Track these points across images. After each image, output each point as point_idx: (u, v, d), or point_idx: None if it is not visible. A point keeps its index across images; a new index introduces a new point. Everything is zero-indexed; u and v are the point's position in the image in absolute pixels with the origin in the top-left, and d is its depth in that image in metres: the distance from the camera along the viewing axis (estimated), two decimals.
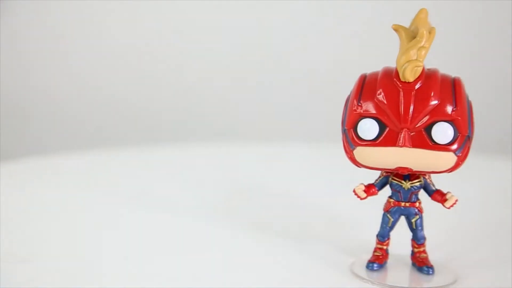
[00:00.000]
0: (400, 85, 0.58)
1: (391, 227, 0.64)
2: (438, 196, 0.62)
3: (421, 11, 0.60)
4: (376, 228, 0.65)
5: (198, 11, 1.45)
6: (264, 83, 1.49)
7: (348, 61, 1.32)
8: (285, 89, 1.48)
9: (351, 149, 0.60)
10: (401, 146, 0.58)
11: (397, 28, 0.59)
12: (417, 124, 0.57)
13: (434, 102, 0.57)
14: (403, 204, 0.63)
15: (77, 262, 0.65)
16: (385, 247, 0.65)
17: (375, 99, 0.58)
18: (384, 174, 0.63)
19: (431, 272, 0.63)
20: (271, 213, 0.83)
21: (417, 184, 0.62)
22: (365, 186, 0.63)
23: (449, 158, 0.58)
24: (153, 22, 1.46)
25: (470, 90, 0.59)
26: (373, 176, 0.64)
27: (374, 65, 0.62)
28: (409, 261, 0.65)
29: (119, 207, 0.83)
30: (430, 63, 0.58)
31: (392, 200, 0.63)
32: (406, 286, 0.62)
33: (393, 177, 0.62)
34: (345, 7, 1.40)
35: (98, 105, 1.48)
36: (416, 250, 0.64)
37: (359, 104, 0.59)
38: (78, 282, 0.61)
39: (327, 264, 0.65)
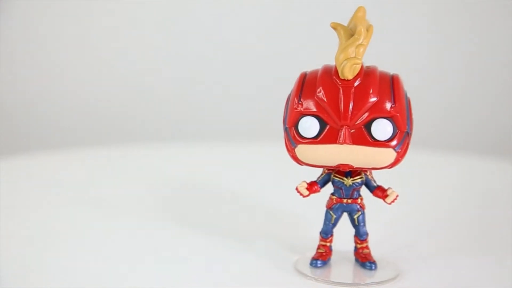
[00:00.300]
0: (340, 83, 0.58)
1: (334, 224, 0.64)
2: (379, 192, 0.63)
3: (359, 9, 0.60)
4: (319, 225, 0.65)
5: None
6: (208, 83, 1.49)
7: (289, 58, 1.34)
8: (227, 89, 1.48)
9: (292, 147, 0.60)
10: (341, 143, 0.58)
11: (335, 26, 0.60)
12: (357, 121, 0.58)
13: (373, 99, 0.58)
14: (345, 200, 0.64)
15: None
16: (328, 244, 0.65)
17: (315, 97, 0.59)
18: (326, 171, 0.64)
19: (373, 268, 0.64)
20: (215, 212, 0.83)
21: (359, 180, 0.63)
22: (308, 183, 0.63)
23: (389, 154, 0.59)
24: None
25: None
26: (315, 174, 0.64)
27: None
28: (352, 257, 0.66)
29: (59, 207, 0.82)
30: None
31: (334, 197, 0.64)
32: (350, 282, 0.62)
33: (335, 174, 0.63)
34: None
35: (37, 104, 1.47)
36: (359, 246, 0.65)
37: (300, 102, 0.60)
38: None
39: (271, 262, 0.66)
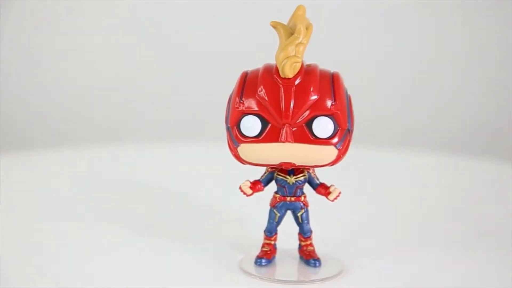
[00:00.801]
0: (280, 81, 0.59)
1: (278, 222, 0.65)
2: (322, 189, 0.64)
3: (298, 7, 0.61)
4: (263, 224, 0.66)
5: None
6: (150, 83, 1.49)
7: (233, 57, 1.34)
8: (170, 88, 1.48)
9: (235, 146, 0.61)
10: (283, 142, 0.59)
11: (275, 25, 0.60)
12: (298, 119, 0.59)
13: (313, 97, 0.59)
14: (288, 198, 0.64)
15: None
16: (273, 242, 0.66)
17: (257, 96, 0.59)
18: (269, 170, 0.64)
19: (318, 265, 0.65)
20: (159, 213, 0.83)
21: (302, 178, 0.64)
22: (251, 182, 0.64)
23: (330, 152, 0.60)
24: None
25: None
26: (258, 173, 0.64)
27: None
28: (297, 254, 0.66)
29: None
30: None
31: (278, 195, 0.64)
32: (294, 279, 0.63)
33: (278, 172, 0.64)
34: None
35: None
36: (303, 243, 0.66)
37: (241, 101, 0.60)
38: None
39: (216, 262, 0.66)
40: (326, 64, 0.63)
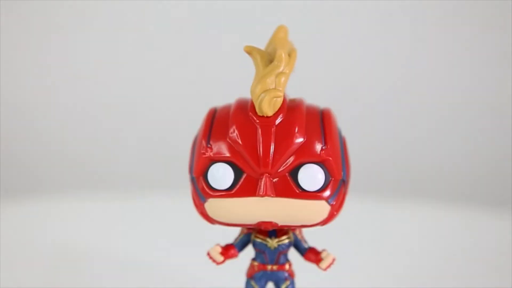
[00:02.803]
0: (257, 121, 0.54)
1: None
2: (312, 255, 0.59)
3: (279, 28, 0.57)
4: None
5: None
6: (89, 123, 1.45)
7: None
8: (114, 131, 1.43)
9: (201, 202, 0.56)
10: (262, 196, 0.54)
11: (250, 51, 0.55)
12: (280, 167, 0.54)
13: (299, 140, 0.54)
14: (269, 267, 0.59)
15: None
16: None
17: (228, 139, 0.55)
18: (245, 231, 0.60)
19: None
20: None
21: (286, 241, 0.59)
22: (222, 247, 0.59)
23: (321, 208, 0.55)
24: None
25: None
26: (232, 235, 0.60)
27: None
28: None
29: None
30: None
31: (256, 263, 0.59)
32: None
33: (256, 234, 0.59)
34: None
35: None
36: None
37: (209, 146, 0.55)
38: None
39: None
40: (314, 99, 0.59)
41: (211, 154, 0.55)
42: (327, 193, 0.55)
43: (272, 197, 0.54)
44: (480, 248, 0.94)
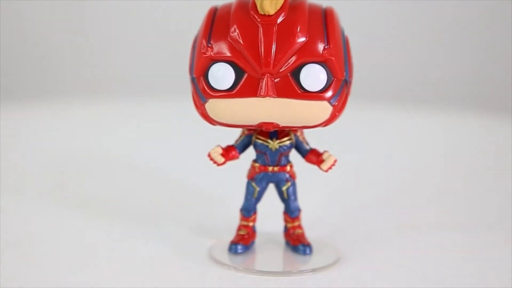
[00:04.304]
0: (259, 19, 0.55)
1: (258, 199, 0.62)
2: (313, 156, 0.61)
3: None
4: (239, 201, 0.63)
5: None
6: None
7: None
8: (114, 36, 1.46)
9: (202, 102, 0.57)
10: (263, 96, 0.55)
11: None
12: (281, 67, 0.55)
13: (301, 39, 0.55)
14: (270, 168, 0.61)
15: None
16: (251, 224, 0.63)
17: (229, 38, 0.56)
18: (246, 132, 0.61)
19: (308, 252, 0.62)
20: (108, 189, 0.81)
21: (287, 143, 0.60)
22: (223, 148, 0.60)
23: (323, 109, 0.56)
24: None
25: None
26: (233, 136, 0.62)
27: None
28: (282, 239, 0.64)
29: None
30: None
31: (257, 164, 0.61)
32: (279, 270, 0.61)
33: (257, 135, 0.61)
34: None
35: None
36: (289, 225, 0.63)
37: (209, 45, 0.56)
38: None
39: (180, 249, 0.64)
40: None
41: (211, 53, 0.56)
42: (329, 93, 0.56)
43: (273, 97, 0.55)
44: (481, 153, 0.97)
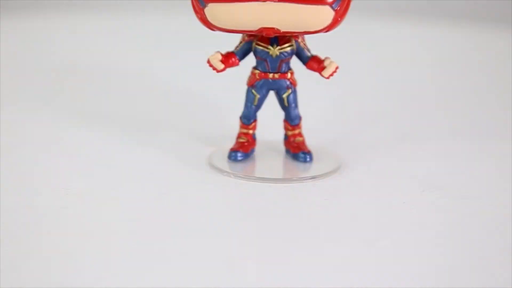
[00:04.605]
0: None
1: (258, 106, 0.62)
2: (315, 63, 0.60)
3: None
4: (239, 108, 0.62)
5: None
6: None
7: None
8: None
9: (201, 7, 0.57)
10: (264, 1, 0.54)
11: None
12: None
13: None
14: (271, 75, 0.61)
15: None
16: (251, 132, 0.63)
17: None
18: (246, 38, 0.60)
19: (308, 159, 0.62)
20: (107, 98, 0.81)
21: (288, 49, 0.60)
22: (223, 55, 0.60)
23: (325, 13, 0.56)
24: None
25: None
26: (232, 42, 0.61)
27: None
28: (282, 147, 0.64)
29: None
30: None
31: (257, 71, 0.61)
32: (279, 177, 0.61)
33: (258, 41, 0.60)
34: None
35: None
36: (290, 133, 0.63)
37: None
38: None
39: (179, 157, 0.64)
40: None
41: None
42: None
43: (274, 1, 0.54)
44: (482, 62, 0.97)
